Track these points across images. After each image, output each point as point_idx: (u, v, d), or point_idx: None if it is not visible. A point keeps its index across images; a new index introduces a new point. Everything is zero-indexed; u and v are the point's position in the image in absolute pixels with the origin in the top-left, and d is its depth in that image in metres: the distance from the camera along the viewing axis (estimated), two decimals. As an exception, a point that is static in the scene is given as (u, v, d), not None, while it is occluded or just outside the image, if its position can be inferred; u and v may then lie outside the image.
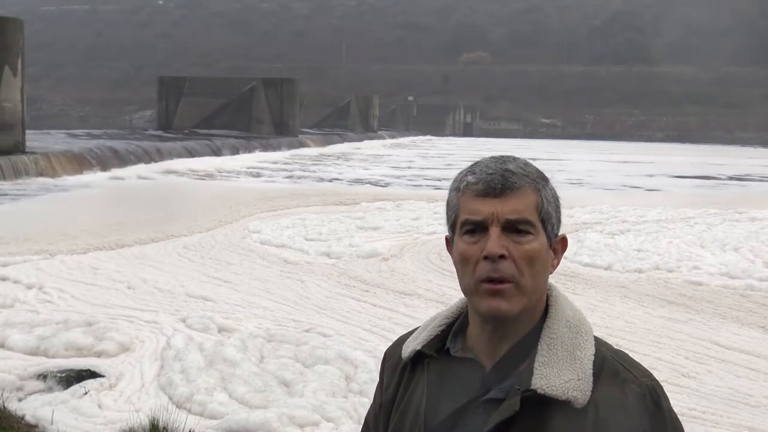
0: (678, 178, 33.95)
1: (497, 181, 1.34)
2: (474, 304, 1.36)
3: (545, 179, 1.40)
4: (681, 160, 48.39)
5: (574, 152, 55.54)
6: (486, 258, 1.33)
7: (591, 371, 1.32)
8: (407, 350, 1.47)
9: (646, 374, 1.36)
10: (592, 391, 1.31)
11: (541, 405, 1.30)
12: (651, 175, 35.18)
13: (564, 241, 1.43)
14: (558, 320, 1.36)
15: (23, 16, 31.81)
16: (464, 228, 1.37)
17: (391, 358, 1.52)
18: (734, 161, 48.91)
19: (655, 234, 14.96)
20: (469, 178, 1.37)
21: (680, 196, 24.81)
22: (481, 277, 1.33)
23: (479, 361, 1.39)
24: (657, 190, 27.28)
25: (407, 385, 1.46)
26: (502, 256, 1.32)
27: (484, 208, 1.34)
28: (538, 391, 1.29)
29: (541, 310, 1.39)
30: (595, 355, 1.34)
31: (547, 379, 1.30)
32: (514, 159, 1.39)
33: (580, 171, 35.50)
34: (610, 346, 1.40)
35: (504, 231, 1.33)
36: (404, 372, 1.48)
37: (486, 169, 1.36)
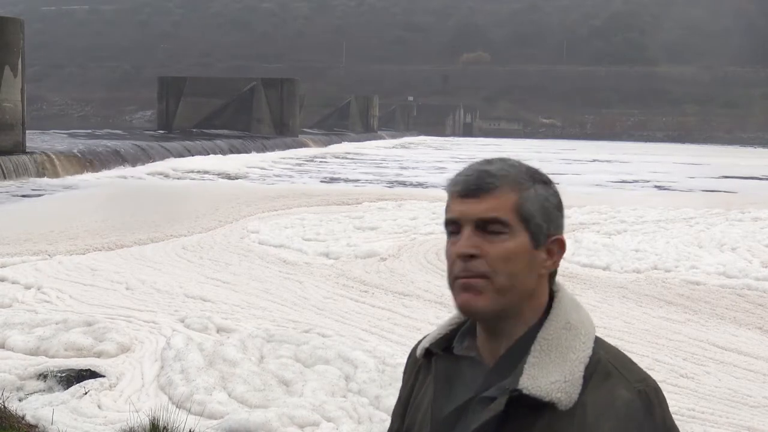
0: (741, 179, 32.82)
1: (472, 182, 1.35)
2: (454, 300, 1.38)
3: (536, 180, 1.37)
4: (711, 161, 47.65)
5: (608, 154, 54.11)
6: (459, 257, 1.34)
7: (581, 374, 1.31)
8: (420, 348, 1.50)
9: (641, 379, 1.33)
10: (582, 394, 1.29)
11: (529, 406, 1.30)
12: (723, 177, 33.97)
13: (560, 242, 1.39)
14: (556, 321, 1.36)
15: (23, 16, 31.84)
16: (447, 229, 1.39)
17: (412, 356, 1.55)
18: (762, 162, 48.48)
19: (652, 234, 14.98)
20: (453, 180, 1.40)
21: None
22: (455, 275, 1.35)
23: (482, 360, 1.40)
24: (733, 192, 26.39)
25: (422, 383, 1.49)
26: (472, 256, 1.33)
27: (459, 209, 1.36)
28: (524, 391, 1.29)
29: (541, 310, 1.38)
30: (590, 358, 1.32)
31: (534, 379, 1.30)
32: (502, 160, 1.39)
33: (650, 173, 33.70)
34: (612, 347, 1.38)
35: (478, 230, 1.34)
36: (420, 370, 1.51)
37: (466, 170, 1.38)
